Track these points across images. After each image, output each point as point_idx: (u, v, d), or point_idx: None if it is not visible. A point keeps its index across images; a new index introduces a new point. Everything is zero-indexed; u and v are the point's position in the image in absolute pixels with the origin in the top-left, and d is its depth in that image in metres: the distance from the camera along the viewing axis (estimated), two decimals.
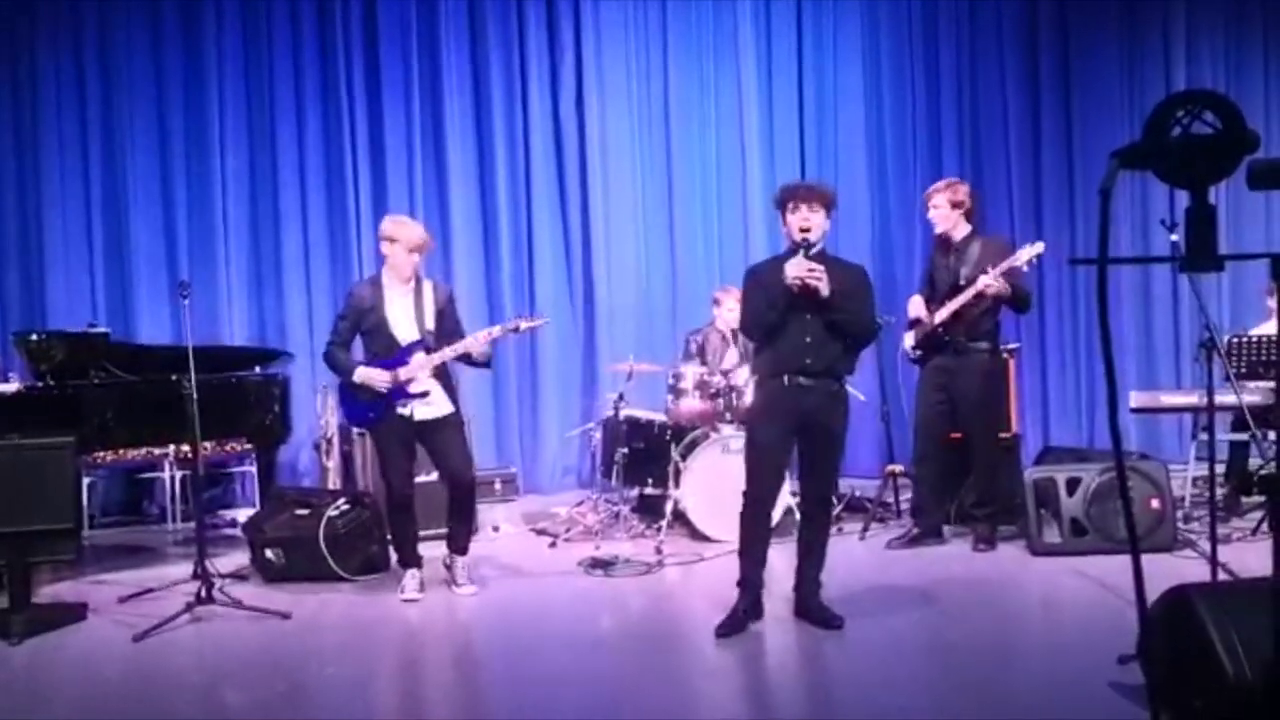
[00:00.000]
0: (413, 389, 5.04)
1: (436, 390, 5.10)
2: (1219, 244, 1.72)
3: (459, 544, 5.27)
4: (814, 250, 4.30)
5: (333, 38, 7.76)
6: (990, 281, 5.38)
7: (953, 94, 8.15)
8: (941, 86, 8.17)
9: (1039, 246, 5.52)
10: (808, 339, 4.30)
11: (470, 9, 8.04)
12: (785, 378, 4.32)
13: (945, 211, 5.70)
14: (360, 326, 5.08)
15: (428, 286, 5.18)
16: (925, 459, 5.77)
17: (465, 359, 5.14)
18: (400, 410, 5.03)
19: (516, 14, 8.08)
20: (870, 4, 8.35)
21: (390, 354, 5.04)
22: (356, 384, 5.02)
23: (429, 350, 5.05)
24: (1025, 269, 5.49)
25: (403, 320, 5.06)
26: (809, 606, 4.47)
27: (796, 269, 4.22)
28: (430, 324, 5.09)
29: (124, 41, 7.47)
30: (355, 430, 6.29)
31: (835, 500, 5.68)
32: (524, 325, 5.31)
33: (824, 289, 4.21)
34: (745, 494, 4.44)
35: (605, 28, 8.22)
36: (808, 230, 4.28)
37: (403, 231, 5.08)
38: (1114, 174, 1.63)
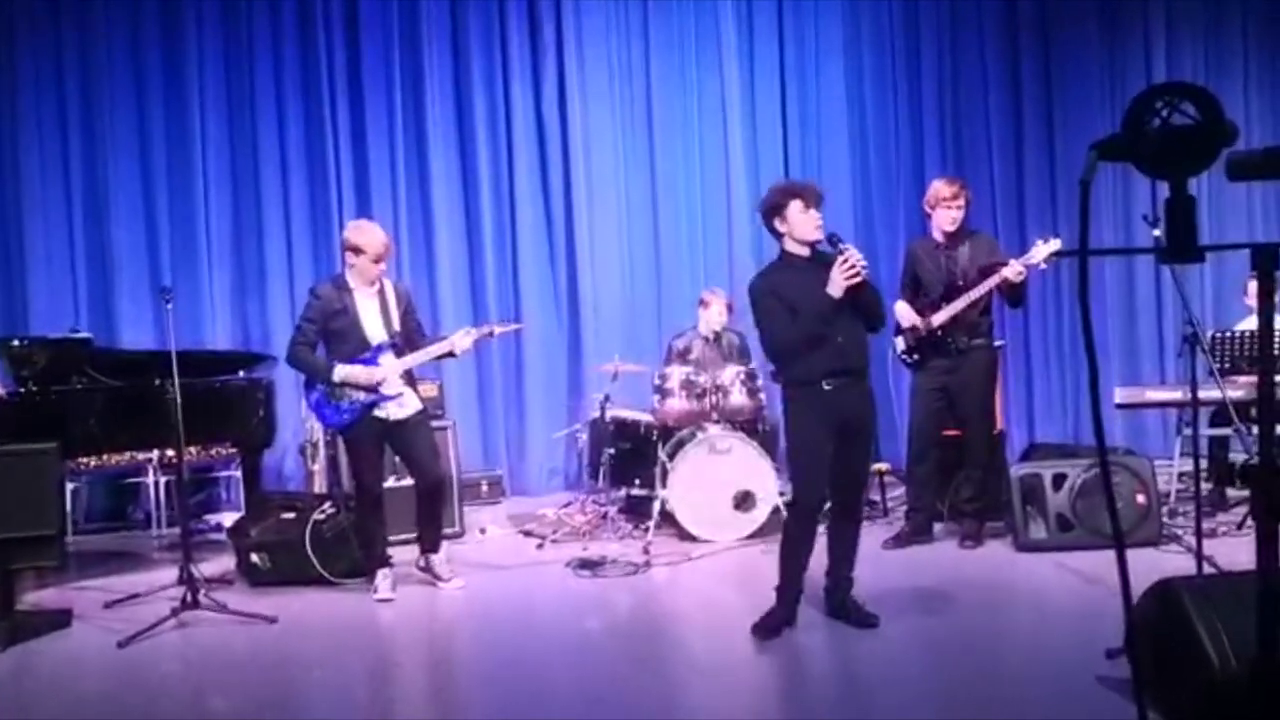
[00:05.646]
0: (386, 390, 5.05)
1: (407, 390, 5.14)
2: (1200, 236, 1.72)
3: (433, 543, 5.32)
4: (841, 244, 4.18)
5: (314, 39, 7.72)
6: (1020, 269, 5.28)
7: (934, 91, 8.17)
8: (923, 84, 8.18)
9: (1055, 243, 5.39)
10: (842, 339, 4.18)
11: (452, 11, 8.01)
12: (825, 382, 4.16)
13: (964, 210, 5.63)
14: (328, 328, 5.05)
15: (389, 287, 5.19)
16: (922, 459, 5.76)
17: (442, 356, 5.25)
18: (378, 413, 5.04)
19: (498, 15, 8.05)
20: (852, 3, 8.35)
21: (360, 356, 5.04)
22: (334, 384, 5.00)
23: (398, 351, 5.09)
24: (1043, 266, 5.41)
25: (373, 322, 5.07)
26: (845, 605, 4.39)
27: (846, 272, 4.06)
28: (396, 325, 5.12)
29: (104, 45, 7.42)
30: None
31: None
32: (498, 330, 5.41)
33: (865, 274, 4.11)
34: (796, 504, 4.33)
35: (587, 28, 8.19)
36: (820, 228, 4.22)
37: (365, 239, 5.04)
38: (1093, 165, 1.63)
